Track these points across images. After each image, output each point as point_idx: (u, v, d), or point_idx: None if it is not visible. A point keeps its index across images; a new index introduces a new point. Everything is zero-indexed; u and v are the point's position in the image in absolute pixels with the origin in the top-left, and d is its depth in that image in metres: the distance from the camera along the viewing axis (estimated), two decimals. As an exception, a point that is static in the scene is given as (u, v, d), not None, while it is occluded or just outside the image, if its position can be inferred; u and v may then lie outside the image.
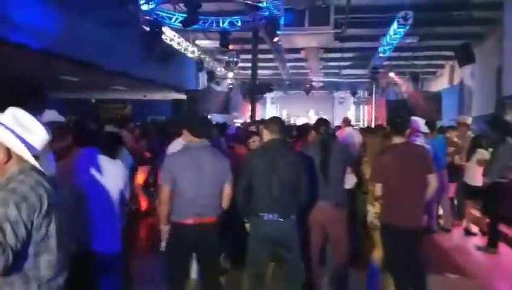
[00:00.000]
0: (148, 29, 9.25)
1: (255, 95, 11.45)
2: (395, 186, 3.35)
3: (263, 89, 15.36)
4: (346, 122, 7.94)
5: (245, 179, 3.16)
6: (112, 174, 2.51)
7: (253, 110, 10.74)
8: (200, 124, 3.16)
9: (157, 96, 16.08)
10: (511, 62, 9.43)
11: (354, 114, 20.09)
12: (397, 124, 3.47)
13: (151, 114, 14.92)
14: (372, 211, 3.80)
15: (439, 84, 17.14)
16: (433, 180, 3.39)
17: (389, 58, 13.81)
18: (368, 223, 3.87)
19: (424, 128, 5.05)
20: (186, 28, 8.82)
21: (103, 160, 2.51)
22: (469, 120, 6.91)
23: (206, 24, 9.46)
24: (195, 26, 9.06)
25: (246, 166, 3.20)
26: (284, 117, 18.73)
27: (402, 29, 9.43)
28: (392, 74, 15.23)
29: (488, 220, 5.51)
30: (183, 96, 14.53)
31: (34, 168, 1.63)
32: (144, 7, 8.11)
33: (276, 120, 3.42)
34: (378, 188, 3.41)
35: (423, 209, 3.55)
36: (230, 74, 15.21)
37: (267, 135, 3.27)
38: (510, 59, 9.46)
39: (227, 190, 3.11)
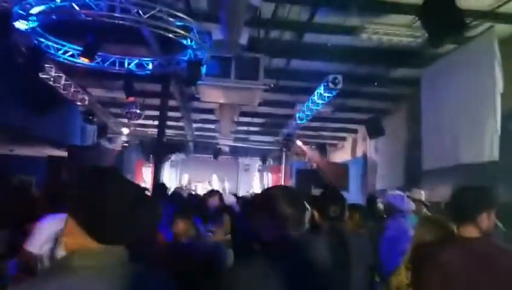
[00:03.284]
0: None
1: (162, 156, 9.50)
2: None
3: (172, 149, 13.29)
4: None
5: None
6: None
7: (157, 175, 8.72)
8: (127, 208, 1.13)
9: (29, 151, 12.89)
10: (429, 137, 9.41)
11: (260, 182, 19.12)
12: (466, 205, 2.06)
13: (18, 174, 11.62)
14: None
15: (341, 155, 17.39)
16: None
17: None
18: None
19: (408, 205, 3.93)
20: (82, 64, 6.79)
21: None
22: (423, 195, 5.78)
23: (107, 63, 7.46)
24: (92, 64, 7.11)
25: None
26: (184, 183, 16.83)
27: (329, 94, 8.77)
28: (299, 143, 14.78)
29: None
30: (63, 153, 11.73)
31: None
32: (20, 25, 5.65)
33: (292, 192, 1.71)
34: None
35: None
36: (126, 130, 12.98)
37: None
38: (428, 134, 9.45)
39: None
